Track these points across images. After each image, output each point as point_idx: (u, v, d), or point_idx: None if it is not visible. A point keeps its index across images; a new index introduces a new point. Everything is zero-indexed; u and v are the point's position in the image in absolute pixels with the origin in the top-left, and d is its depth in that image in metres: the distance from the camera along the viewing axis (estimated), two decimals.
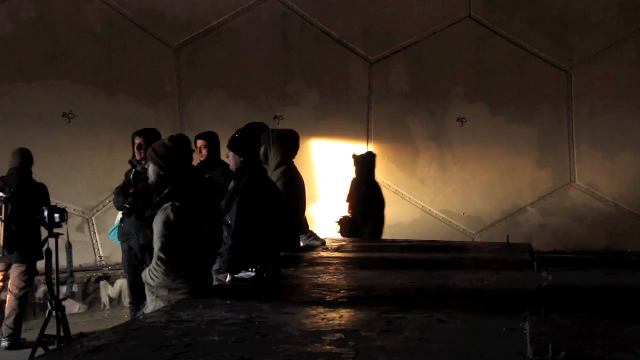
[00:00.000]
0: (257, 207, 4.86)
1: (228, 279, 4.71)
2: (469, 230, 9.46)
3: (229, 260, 4.71)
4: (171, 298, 3.92)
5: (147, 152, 6.00)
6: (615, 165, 9.30)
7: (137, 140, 6.12)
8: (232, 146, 5.01)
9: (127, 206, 5.91)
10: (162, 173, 4.08)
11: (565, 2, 9.34)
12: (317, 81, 9.48)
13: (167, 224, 3.89)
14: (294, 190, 5.82)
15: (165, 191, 3.99)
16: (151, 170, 4.18)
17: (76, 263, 7.21)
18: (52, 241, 5.57)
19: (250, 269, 4.70)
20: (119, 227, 6.14)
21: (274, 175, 5.69)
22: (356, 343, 2.93)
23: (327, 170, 9.40)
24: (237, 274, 4.71)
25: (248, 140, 5.09)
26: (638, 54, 9.20)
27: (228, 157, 5.06)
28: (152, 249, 4.26)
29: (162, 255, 3.86)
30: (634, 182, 9.26)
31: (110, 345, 2.92)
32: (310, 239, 6.37)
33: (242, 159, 5.01)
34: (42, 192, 6.73)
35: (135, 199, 5.90)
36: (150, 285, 3.99)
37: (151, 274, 3.93)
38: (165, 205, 3.95)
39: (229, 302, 3.75)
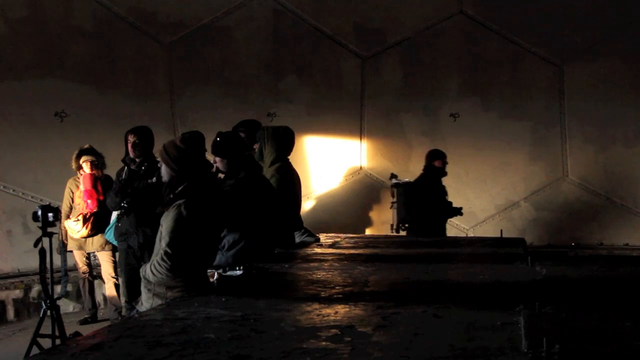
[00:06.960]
0: (250, 204, 4.86)
1: (215, 277, 4.69)
2: (463, 225, 9.48)
3: (221, 257, 4.71)
4: (168, 295, 3.91)
5: (142, 150, 6.04)
6: (607, 159, 9.33)
7: (131, 139, 6.10)
8: (215, 151, 4.98)
9: (125, 205, 5.89)
10: (174, 174, 4.08)
11: None
12: (310, 77, 9.47)
13: (178, 220, 3.89)
14: (288, 187, 5.81)
15: (179, 188, 3.99)
16: (164, 170, 4.18)
17: (70, 262, 7.20)
18: (45, 240, 5.55)
19: (237, 267, 4.69)
20: (116, 226, 6.12)
21: (268, 172, 5.68)
22: (352, 338, 2.94)
23: (320, 166, 9.41)
24: (225, 271, 4.70)
25: (229, 141, 5.04)
26: (629, 48, 9.23)
27: (215, 163, 5.01)
28: (151, 247, 4.25)
29: (169, 250, 3.85)
30: (625, 176, 9.29)
31: (105, 343, 2.92)
32: (305, 235, 6.36)
33: (228, 160, 4.98)
34: None
35: (133, 197, 5.88)
36: (148, 282, 3.98)
37: (153, 270, 3.91)
38: (178, 202, 3.95)
39: (224, 299, 3.74)
